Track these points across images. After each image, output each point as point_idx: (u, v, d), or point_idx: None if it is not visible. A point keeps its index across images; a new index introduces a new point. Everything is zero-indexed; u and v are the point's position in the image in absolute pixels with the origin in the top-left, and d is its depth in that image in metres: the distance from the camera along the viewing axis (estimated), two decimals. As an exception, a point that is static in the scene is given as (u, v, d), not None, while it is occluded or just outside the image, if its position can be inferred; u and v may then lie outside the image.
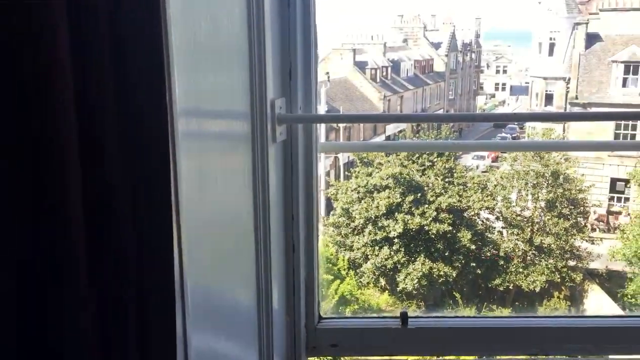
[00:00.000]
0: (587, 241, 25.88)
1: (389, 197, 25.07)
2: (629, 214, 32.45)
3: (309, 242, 1.71)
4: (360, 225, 25.94)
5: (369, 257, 25.67)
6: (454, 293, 24.97)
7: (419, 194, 25.22)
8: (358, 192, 26.30)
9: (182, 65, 1.17)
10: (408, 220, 24.59)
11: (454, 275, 24.70)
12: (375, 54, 59.75)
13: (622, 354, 1.86)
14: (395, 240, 25.00)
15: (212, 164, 1.35)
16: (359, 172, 27.13)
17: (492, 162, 51.11)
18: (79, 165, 1.04)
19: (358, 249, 25.93)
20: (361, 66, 57.25)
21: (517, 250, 25.74)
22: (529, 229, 25.89)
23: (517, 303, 25.32)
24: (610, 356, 1.89)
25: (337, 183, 29.06)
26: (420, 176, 26.42)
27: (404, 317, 1.80)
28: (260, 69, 1.44)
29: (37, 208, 1.03)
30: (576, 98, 37.85)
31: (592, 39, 39.03)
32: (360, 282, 25.49)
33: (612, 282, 25.22)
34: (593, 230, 30.45)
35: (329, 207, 31.81)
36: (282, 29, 1.55)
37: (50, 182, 1.00)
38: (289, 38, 1.56)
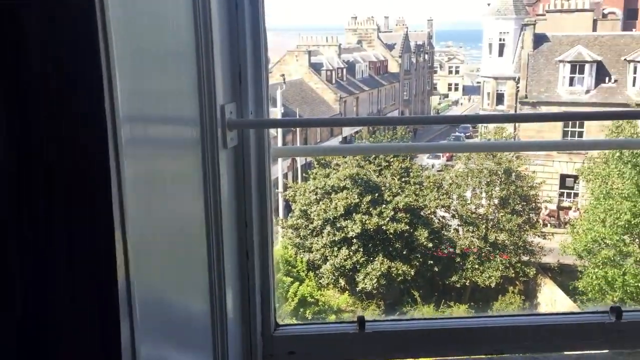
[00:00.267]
0: (539, 236, 26.60)
1: (346, 198, 25.19)
2: (578, 209, 33.54)
3: (264, 248, 1.67)
4: (319, 227, 25.98)
5: (328, 258, 25.73)
6: (413, 291, 25.28)
7: (377, 194, 25.43)
8: (316, 194, 26.34)
9: (126, 71, 1.12)
10: (366, 220, 24.75)
11: (412, 273, 24.99)
12: (330, 55, 60.09)
13: (577, 350, 1.89)
14: (354, 240, 25.14)
15: (160, 170, 1.30)
16: (316, 174, 27.18)
17: (447, 160, 52.05)
18: (15, 171, 0.99)
19: (317, 250, 25.96)
20: (316, 68, 57.50)
21: (472, 247, 26.24)
22: (483, 226, 26.42)
23: (473, 301, 25.81)
24: (566, 352, 1.93)
25: (295, 185, 29.07)
26: (377, 176, 26.65)
27: (361, 321, 1.78)
28: (208, 74, 1.40)
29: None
30: (526, 97, 38.91)
31: (539, 39, 40.20)
32: (320, 283, 25.53)
33: (563, 276, 25.97)
34: (545, 225, 31.35)
35: (288, 209, 31.78)
36: (231, 33, 1.51)
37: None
38: (237, 42, 1.52)
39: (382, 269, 24.73)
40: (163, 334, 1.32)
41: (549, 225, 33.12)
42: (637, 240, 21.35)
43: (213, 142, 1.44)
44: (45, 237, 1.03)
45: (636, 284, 20.47)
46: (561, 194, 37.91)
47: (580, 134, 37.59)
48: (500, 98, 41.93)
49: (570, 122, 38.01)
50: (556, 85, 38.65)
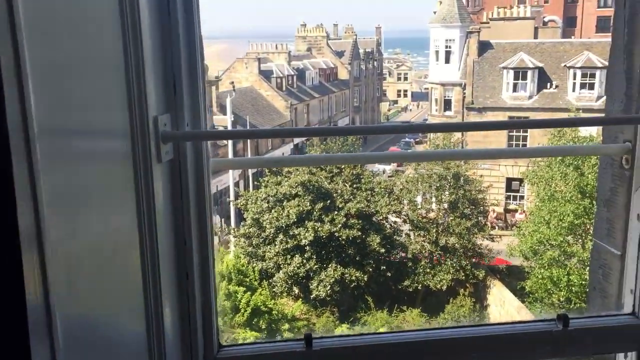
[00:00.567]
0: (487, 239, 27.17)
1: (299, 205, 25.12)
2: (524, 212, 34.51)
3: (204, 266, 1.58)
4: (272, 235, 25.80)
5: (281, 266, 25.58)
6: (366, 297, 25.38)
7: (328, 201, 25.46)
8: (268, 202, 26.17)
9: (43, 82, 1.04)
10: (318, 227, 24.74)
11: (366, 279, 25.10)
12: (280, 63, 60.07)
13: (525, 359, 1.89)
14: (307, 248, 25.07)
15: (86, 186, 1.21)
16: (268, 182, 27.01)
17: (398, 166, 52.69)
18: None
19: (270, 258, 25.77)
20: (267, 75, 57.35)
21: (424, 252, 26.58)
22: (434, 230, 26.81)
23: (426, 305, 26.09)
24: None
25: (247, 193, 28.79)
26: (329, 183, 26.70)
27: (308, 338, 1.72)
28: (139, 84, 1.31)
29: None
30: (472, 103, 39.88)
31: (484, 46, 41.32)
32: (274, 292, 25.34)
33: (511, 277, 26.61)
34: (492, 228, 32.10)
35: (240, 218, 31.45)
36: (163, 41, 1.43)
37: None
38: (171, 51, 1.43)
39: (336, 275, 24.75)
40: (92, 359, 1.24)
41: (496, 227, 33.94)
42: (580, 240, 22.09)
43: (146, 155, 1.35)
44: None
45: (580, 283, 21.15)
46: (508, 197, 38.96)
47: (525, 138, 38.77)
48: (447, 104, 42.81)
49: (514, 129, 39.07)
50: (501, 91, 39.76)
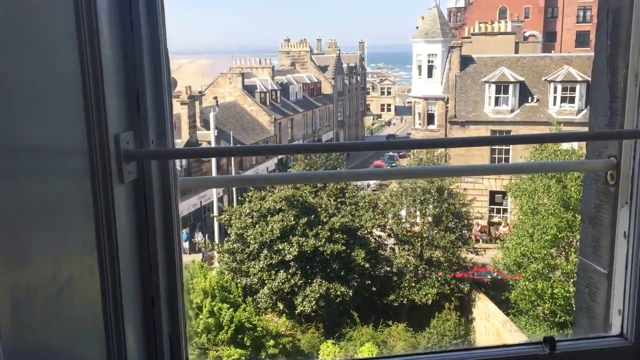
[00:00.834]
0: (472, 252, 27.21)
1: (283, 220, 24.97)
2: (507, 225, 34.67)
3: (172, 292, 1.49)
4: (256, 250, 25.60)
5: (266, 281, 25.36)
6: (352, 312, 25.21)
7: (313, 216, 25.35)
8: (252, 217, 25.99)
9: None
10: (303, 242, 24.59)
11: (351, 294, 24.95)
12: (263, 77, 60.15)
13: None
14: (291, 263, 24.89)
15: (37, 210, 1.13)
16: (252, 196, 26.84)
17: (382, 180, 52.89)
18: None
19: (254, 274, 25.54)
20: (250, 90, 57.36)
21: (408, 266, 26.53)
22: (419, 244, 26.79)
23: (411, 319, 25.98)
24: None
25: (230, 209, 28.59)
26: (313, 198, 26.60)
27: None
28: (97, 99, 1.23)
29: None
30: (455, 117, 40.16)
31: (466, 61, 41.74)
32: (258, 308, 25.08)
33: (496, 290, 26.63)
34: (477, 241, 32.19)
35: (223, 234, 31.20)
36: (126, 55, 1.34)
37: None
38: (134, 65, 1.35)
39: (321, 290, 24.58)
40: None
41: (480, 240, 34.04)
42: (563, 253, 22.20)
43: (106, 175, 1.26)
44: None
45: (564, 296, 21.21)
46: (491, 210, 39.15)
47: (507, 151, 39.08)
48: (431, 118, 43.07)
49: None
50: (483, 105, 40.11)
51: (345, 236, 25.11)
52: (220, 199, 38.39)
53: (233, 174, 42.42)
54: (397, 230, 27.30)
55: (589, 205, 1.95)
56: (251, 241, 25.46)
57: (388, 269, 26.68)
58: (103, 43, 1.25)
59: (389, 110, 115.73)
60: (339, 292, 24.71)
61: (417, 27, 46.11)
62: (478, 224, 34.22)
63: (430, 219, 27.28)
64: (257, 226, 25.52)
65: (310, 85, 69.23)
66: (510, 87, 39.12)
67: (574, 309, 2.09)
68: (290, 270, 25.01)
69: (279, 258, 24.93)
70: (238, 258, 26.22)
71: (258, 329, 22.84)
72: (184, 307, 1.53)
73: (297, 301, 25.04)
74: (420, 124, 43.59)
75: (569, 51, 69.25)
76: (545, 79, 39.02)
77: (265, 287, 25.28)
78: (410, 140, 1.75)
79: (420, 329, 25.10)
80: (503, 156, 39.22)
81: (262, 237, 25.15)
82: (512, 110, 39.25)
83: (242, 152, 1.49)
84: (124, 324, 1.35)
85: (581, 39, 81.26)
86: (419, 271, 26.45)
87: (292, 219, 24.92)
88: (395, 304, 26.00)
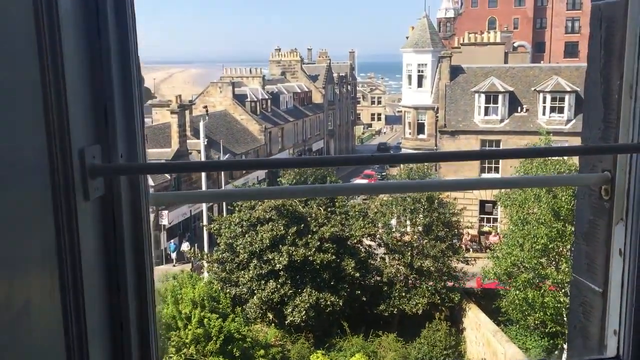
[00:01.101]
0: (462, 262, 27.16)
1: (272, 230, 24.83)
2: (497, 234, 34.70)
3: (143, 316, 1.39)
4: (245, 260, 25.44)
5: (255, 291, 25.18)
6: (342, 322, 25.06)
7: (302, 225, 25.22)
8: (241, 226, 25.84)
9: None
10: (292, 251, 24.45)
11: (341, 304, 24.81)
12: (254, 87, 60.10)
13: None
14: (281, 272, 24.74)
15: None
16: (241, 206, 26.70)
17: (372, 189, 52.83)
18: None
19: (244, 284, 25.36)
20: (241, 99, 57.26)
21: (399, 275, 26.43)
22: (409, 253, 26.72)
23: (402, 329, 25.85)
24: None
25: (220, 218, 28.41)
26: (303, 207, 26.49)
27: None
28: (60, 112, 1.14)
29: None
30: (445, 126, 40.27)
31: (456, 71, 41.92)
32: (247, 318, 24.87)
33: (486, 300, 26.58)
34: (467, 250, 32.17)
35: (213, 243, 30.97)
36: (92, 64, 1.26)
37: None
38: (101, 74, 1.26)
39: (311, 300, 24.42)
40: None
41: (471, 250, 34.03)
42: (553, 263, 22.20)
43: (69, 193, 1.17)
44: None
45: (555, 305, 21.19)
46: (481, 220, 39.20)
47: (497, 161, 39.20)
48: (421, 127, 43.16)
49: (487, 148, 39.54)
50: (473, 114, 40.24)
51: (335, 246, 25.00)
52: (210, 208, 38.17)
53: (223, 182, 42.23)
54: (387, 239, 27.22)
55: (582, 220, 1.88)
56: (241, 251, 25.30)
57: (378, 278, 26.57)
58: (67, 54, 1.17)
59: (379, 119, 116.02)
60: (328, 302, 24.56)
61: (407, 37, 46.32)
62: (468, 233, 34.22)
63: (420, 228, 27.23)
64: (246, 235, 25.38)
65: (301, 95, 69.28)
66: (500, 97, 39.30)
67: (568, 328, 2.01)
68: (280, 280, 24.86)
69: (269, 268, 24.78)
70: (227, 268, 26.04)
71: (247, 339, 22.63)
72: (157, 332, 1.44)
73: (286, 311, 24.87)
74: (410, 134, 43.67)
75: (558, 61, 69.81)
76: (535, 89, 39.25)
77: (255, 297, 25.10)
78: (400, 155, 1.68)
79: (411, 339, 24.98)
80: (493, 165, 39.34)
81: (251, 246, 25.00)
82: (501, 120, 39.42)
83: (217, 167, 1.40)
84: (89, 352, 1.25)
85: (570, 50, 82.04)
86: (410, 281, 26.36)
87: (282, 228, 24.80)
88: (386, 314, 25.87)
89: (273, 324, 26.39)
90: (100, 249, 1.31)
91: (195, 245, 33.74)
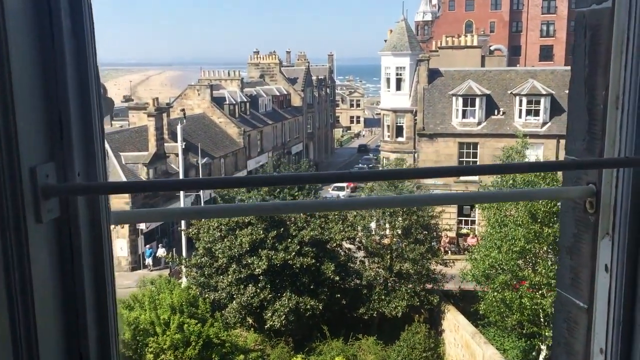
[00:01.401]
0: (440, 264, 27.26)
1: (252, 234, 24.66)
2: (475, 236, 34.93)
3: (104, 347, 1.29)
4: (224, 264, 25.21)
5: (235, 296, 24.97)
6: (322, 325, 24.97)
7: (282, 229, 25.09)
8: (220, 230, 25.61)
9: None
10: (272, 256, 24.29)
11: (321, 307, 24.71)
12: (232, 89, 59.74)
13: None
14: (261, 277, 24.57)
15: None
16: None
17: (352, 192, 52.87)
18: None
19: (223, 289, 25.13)
20: (219, 102, 56.87)
21: (378, 278, 26.42)
22: (388, 257, 26.74)
23: (381, 332, 25.84)
24: None
25: (198, 222, 28.14)
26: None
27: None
28: (7, 127, 1.04)
29: None
30: (423, 129, 40.45)
31: (433, 74, 42.15)
32: (227, 323, 24.64)
33: (465, 302, 26.70)
34: (446, 253, 32.32)
35: (191, 248, 30.65)
36: (45, 73, 1.15)
37: None
38: (56, 82, 1.15)
39: (290, 304, 24.29)
40: None
41: (449, 252, 34.20)
42: (530, 264, 22.37)
43: (18, 215, 1.07)
44: None
45: (532, 307, 21.35)
46: (460, 222, 39.44)
47: (474, 163, 39.51)
48: (399, 130, 43.30)
49: (464, 154, 39.91)
50: (450, 117, 40.49)
51: (314, 249, 24.91)
52: (188, 212, 37.79)
53: (201, 186, 41.79)
54: (366, 242, 27.21)
55: (566, 234, 1.82)
56: (219, 255, 25.08)
57: (358, 281, 26.54)
58: (14, 57, 1.06)
59: (358, 122, 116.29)
60: (308, 306, 24.45)
61: (385, 41, 46.46)
62: (447, 236, 34.40)
63: (399, 231, 27.27)
64: (225, 240, 25.16)
65: (280, 98, 69.12)
66: (477, 100, 39.61)
67: (552, 343, 1.95)
68: (259, 285, 24.69)
69: (248, 272, 24.59)
70: (206, 272, 25.79)
71: (226, 344, 22.43)
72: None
73: (266, 315, 24.70)
74: (389, 136, 43.78)
75: (533, 65, 70.71)
76: (511, 92, 39.65)
77: (234, 302, 24.89)
78: (401, 171, 1.60)
79: (391, 341, 24.98)
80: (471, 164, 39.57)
81: (230, 251, 24.79)
82: (479, 123, 39.72)
83: (187, 186, 1.30)
84: None
85: (545, 53, 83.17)
86: (389, 284, 26.37)
87: (262, 232, 24.64)
88: (366, 317, 25.84)
89: (252, 329, 26.21)
90: (56, 278, 1.20)
91: (174, 249, 33.37)
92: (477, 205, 29.33)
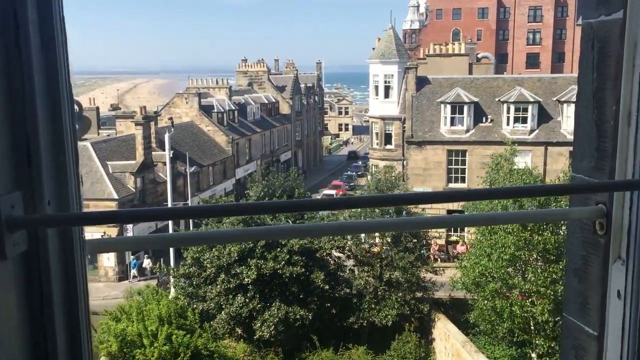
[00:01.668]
0: (430, 272, 27.18)
1: (240, 243, 24.44)
2: (464, 244, 34.91)
3: None
4: (213, 274, 24.96)
5: (223, 306, 24.71)
6: (311, 335, 24.77)
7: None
8: (208, 240, 25.33)
9: None
10: (261, 265, 24.09)
11: (310, 317, 24.51)
12: (220, 97, 59.55)
13: None
14: (250, 287, 24.35)
15: None
16: (209, 219, 26.22)
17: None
18: None
19: (211, 299, 24.87)
20: (207, 110, 56.64)
21: (368, 287, 26.28)
22: (378, 265, 26.62)
23: (372, 341, 25.67)
24: None
25: (186, 231, 27.86)
26: (271, 219, 26.17)
27: None
28: None
29: None
30: (412, 137, 40.49)
31: (422, 82, 42.26)
32: (215, 333, 24.37)
33: (455, 310, 26.62)
34: (435, 260, 32.26)
35: (179, 258, 30.40)
36: (10, 92, 1.03)
37: None
38: (23, 107, 1.04)
39: (280, 314, 24.07)
40: None
41: (439, 260, 34.15)
42: (520, 272, 22.34)
43: None
44: None
45: (522, 315, 21.31)
46: (449, 229, 39.42)
47: (463, 171, 39.61)
48: (388, 138, 43.33)
49: (453, 161, 39.99)
50: (439, 125, 40.58)
51: (304, 258, 24.73)
52: (176, 222, 37.50)
53: (189, 195, 41.56)
54: (356, 251, 27.09)
55: (574, 256, 1.72)
56: (208, 265, 24.83)
57: (348, 290, 26.38)
58: None
59: (346, 129, 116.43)
60: (298, 316, 24.24)
61: (373, 49, 46.55)
62: (436, 243, 34.36)
63: (389, 239, 27.18)
64: (214, 249, 24.92)
65: (268, 105, 69.01)
66: (465, 107, 39.74)
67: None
68: (248, 294, 24.46)
69: (237, 282, 24.36)
70: (194, 282, 25.52)
71: (215, 355, 22.16)
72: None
73: (255, 326, 24.46)
74: (378, 144, 43.81)
75: (520, 72, 71.21)
76: (499, 100, 39.82)
77: (223, 312, 24.64)
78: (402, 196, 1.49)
79: (381, 351, 24.83)
80: (459, 175, 39.71)
81: (219, 260, 24.56)
82: (467, 130, 39.83)
83: (164, 215, 1.19)
84: None
85: (531, 61, 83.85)
86: (379, 292, 26.24)
87: (250, 241, 24.44)
88: (356, 326, 25.68)
89: (242, 339, 25.94)
90: (24, 318, 1.09)
91: (162, 260, 33.06)
92: (466, 213, 29.28)
